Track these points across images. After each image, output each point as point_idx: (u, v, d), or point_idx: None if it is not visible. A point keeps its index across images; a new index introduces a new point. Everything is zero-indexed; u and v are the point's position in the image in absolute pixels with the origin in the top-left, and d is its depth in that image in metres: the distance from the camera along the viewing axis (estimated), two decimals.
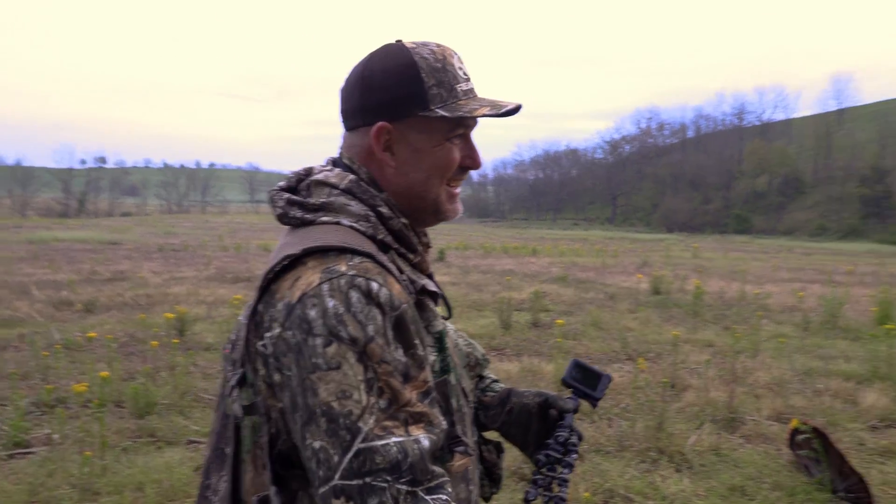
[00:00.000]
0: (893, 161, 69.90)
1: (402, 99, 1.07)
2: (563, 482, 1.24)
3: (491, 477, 1.36)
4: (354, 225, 1.06)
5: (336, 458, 0.89)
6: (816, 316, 10.06)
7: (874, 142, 75.24)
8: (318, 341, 0.91)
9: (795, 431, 4.22)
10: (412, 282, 1.08)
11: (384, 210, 1.09)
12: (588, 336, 8.53)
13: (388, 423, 0.90)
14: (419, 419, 0.93)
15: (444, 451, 1.04)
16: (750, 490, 3.97)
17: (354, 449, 0.88)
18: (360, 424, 0.89)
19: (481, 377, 1.43)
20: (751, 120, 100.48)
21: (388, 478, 0.88)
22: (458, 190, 1.17)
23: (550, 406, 1.34)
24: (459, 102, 1.09)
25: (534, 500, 1.23)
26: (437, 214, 1.16)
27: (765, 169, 79.90)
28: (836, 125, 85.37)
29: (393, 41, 1.12)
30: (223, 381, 1.09)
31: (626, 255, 25.52)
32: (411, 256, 1.12)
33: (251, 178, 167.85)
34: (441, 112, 1.07)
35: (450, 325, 1.31)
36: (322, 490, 0.90)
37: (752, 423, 5.22)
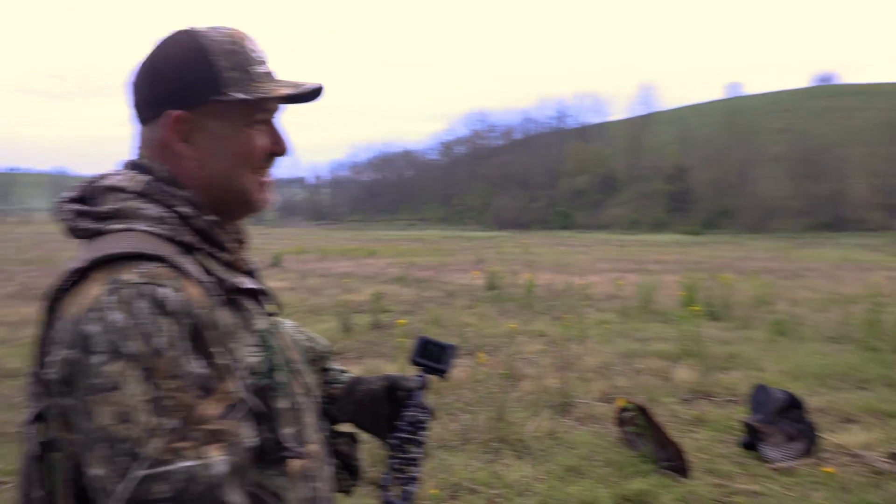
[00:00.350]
0: (691, 160, 77.97)
1: (195, 84, 1.00)
2: (414, 462, 1.24)
3: (349, 469, 1.33)
4: (150, 229, 0.97)
5: (114, 487, 0.81)
6: (634, 302, 10.95)
7: (674, 143, 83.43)
8: (98, 359, 0.83)
9: (622, 410, 4.54)
10: (222, 282, 1.01)
11: (185, 209, 1.01)
12: (429, 334, 8.58)
13: (180, 445, 0.83)
14: (218, 438, 0.86)
15: (275, 455, 1.00)
16: (584, 469, 4.22)
17: (135, 476, 0.81)
18: (143, 449, 0.81)
19: (326, 370, 1.38)
20: (571, 123, 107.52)
21: None
22: (267, 179, 1.11)
23: (396, 388, 1.32)
24: (257, 84, 1.03)
25: (388, 484, 1.21)
26: (247, 206, 1.09)
27: (584, 169, 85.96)
28: (643, 128, 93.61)
29: (183, 28, 1.06)
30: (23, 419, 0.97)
31: (461, 253, 26.26)
32: (222, 255, 1.05)
33: (58, 183, 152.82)
34: (239, 95, 1.01)
35: (288, 322, 1.26)
36: None
37: (583, 405, 5.55)
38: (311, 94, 1.08)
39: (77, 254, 0.96)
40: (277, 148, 1.09)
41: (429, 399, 1.34)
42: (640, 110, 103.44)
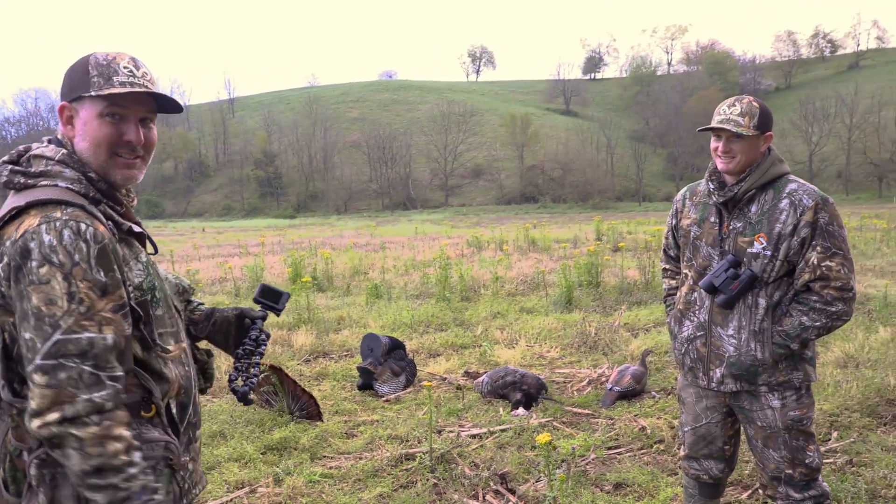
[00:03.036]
0: (279, 146, 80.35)
1: (74, 85, 1.49)
2: (257, 365, 1.85)
3: (204, 374, 1.85)
4: (70, 186, 1.45)
5: (39, 345, 1.31)
6: (244, 283, 11.27)
7: (261, 129, 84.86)
8: (34, 264, 1.33)
9: None
10: (118, 225, 1.49)
11: (92, 175, 1.50)
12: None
13: (85, 323, 1.33)
14: (109, 323, 1.36)
15: (156, 344, 1.51)
16: (228, 432, 4.48)
17: (54, 339, 1.31)
18: (60, 323, 1.31)
19: (190, 301, 1.89)
20: None
21: (77, 360, 1.31)
22: (130, 160, 1.53)
23: (245, 316, 1.88)
24: (112, 89, 1.46)
25: (236, 380, 1.77)
26: (108, 177, 1.51)
27: (169, 154, 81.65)
28: (229, 113, 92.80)
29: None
30: None
31: None
32: (118, 208, 1.53)
33: None
34: (93, 93, 1.47)
35: (161, 269, 1.75)
36: (29, 368, 1.32)
37: (215, 382, 5.72)
38: (168, 104, 1.54)
39: (12, 199, 1.42)
40: (126, 138, 1.51)
41: (287, 322, 1.73)
42: (224, 95, 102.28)
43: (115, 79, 1.47)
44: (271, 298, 1.92)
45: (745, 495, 3.48)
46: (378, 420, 4.77)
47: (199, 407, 1.70)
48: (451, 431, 4.43)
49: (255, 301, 1.93)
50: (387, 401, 5.23)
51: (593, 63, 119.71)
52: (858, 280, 7.88)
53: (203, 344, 1.94)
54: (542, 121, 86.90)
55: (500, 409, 4.86)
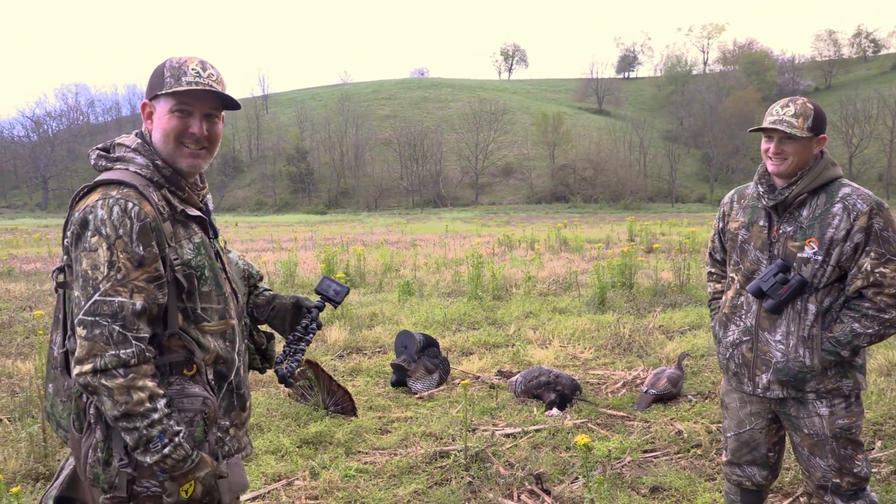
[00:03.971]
0: (311, 142, 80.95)
1: (153, 85, 1.73)
2: (301, 351, 2.00)
3: (264, 356, 2.01)
4: (138, 171, 1.69)
5: (83, 303, 1.53)
6: (278, 278, 11.39)
7: (294, 125, 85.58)
8: (89, 234, 1.56)
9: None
10: (173, 207, 1.69)
11: (159, 162, 1.72)
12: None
13: (119, 289, 1.54)
14: (141, 291, 1.56)
15: (196, 315, 1.68)
16: (265, 425, 4.54)
17: (93, 299, 1.52)
18: (100, 286, 1.53)
19: (256, 286, 2.08)
20: None
21: (109, 320, 1.52)
22: (195, 150, 1.74)
23: (301, 305, 2.05)
24: (179, 88, 1.67)
25: (281, 362, 1.92)
26: (176, 165, 1.72)
27: None
28: (262, 109, 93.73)
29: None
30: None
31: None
32: (179, 193, 1.73)
33: None
34: (164, 91, 1.69)
35: (234, 252, 2.00)
36: (75, 322, 1.54)
37: (253, 375, 5.80)
38: (229, 101, 1.73)
39: (94, 178, 1.67)
40: (190, 131, 1.71)
41: (322, 317, 1.80)
42: (258, 92, 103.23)
43: (183, 79, 1.68)
44: (331, 291, 2.06)
45: (785, 503, 3.43)
46: (412, 417, 4.78)
47: (245, 381, 1.85)
48: (486, 430, 4.43)
49: (316, 292, 2.07)
50: (420, 398, 5.25)
51: (627, 62, 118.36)
52: None
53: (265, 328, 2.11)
54: (573, 120, 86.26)
55: (534, 409, 4.84)
